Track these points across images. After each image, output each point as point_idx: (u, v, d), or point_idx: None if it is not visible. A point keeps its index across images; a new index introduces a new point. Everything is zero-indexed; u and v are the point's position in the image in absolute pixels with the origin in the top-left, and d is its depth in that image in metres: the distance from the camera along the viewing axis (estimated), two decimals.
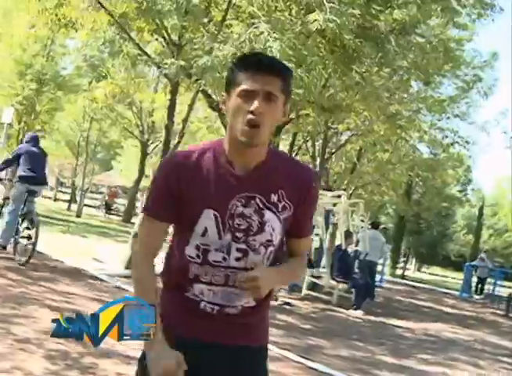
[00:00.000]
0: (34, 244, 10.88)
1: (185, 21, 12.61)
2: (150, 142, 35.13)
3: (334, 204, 17.21)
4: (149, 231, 2.43)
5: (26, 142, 12.13)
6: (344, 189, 22.31)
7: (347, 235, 16.05)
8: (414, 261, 53.51)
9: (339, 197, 17.05)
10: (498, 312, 21.75)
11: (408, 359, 9.83)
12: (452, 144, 27.34)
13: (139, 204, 40.31)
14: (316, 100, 14.59)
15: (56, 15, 13.43)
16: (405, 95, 20.75)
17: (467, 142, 26.35)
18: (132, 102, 30.79)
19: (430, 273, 51.49)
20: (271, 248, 2.37)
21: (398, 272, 38.13)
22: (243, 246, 2.32)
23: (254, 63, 2.26)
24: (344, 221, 16.70)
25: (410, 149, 26.17)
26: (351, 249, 16.07)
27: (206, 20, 13.51)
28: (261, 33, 11.47)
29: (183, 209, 2.33)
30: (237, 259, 2.33)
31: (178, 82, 13.73)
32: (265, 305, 2.51)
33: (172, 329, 2.32)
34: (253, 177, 2.34)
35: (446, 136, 26.55)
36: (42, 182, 11.68)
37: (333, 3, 11.55)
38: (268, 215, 2.33)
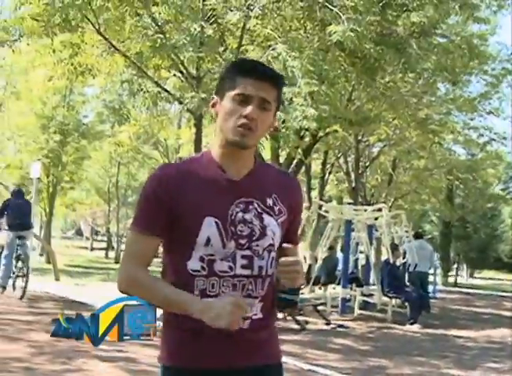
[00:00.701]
0: (27, 281, 12.84)
1: (201, 52, 12.66)
2: None
3: (376, 218, 17.08)
4: (141, 247, 2.32)
5: (11, 195, 14.44)
6: (384, 202, 22.22)
7: (394, 248, 15.90)
8: (465, 267, 52.80)
9: (380, 210, 16.93)
10: None
11: (475, 370, 9.67)
12: (488, 142, 27.19)
13: None
14: (343, 115, 14.55)
15: (72, 64, 13.69)
16: (433, 98, 20.67)
17: (504, 138, 26.15)
18: (157, 141, 31.03)
19: (483, 278, 50.73)
20: (273, 253, 2.35)
21: (451, 280, 37.73)
22: (247, 252, 2.28)
23: (252, 69, 2.29)
24: (387, 234, 16.57)
25: (446, 152, 26.04)
26: (399, 262, 15.90)
27: (221, 49, 13.63)
28: (279, 54, 11.51)
29: (179, 221, 2.26)
30: (243, 267, 2.29)
31: (201, 115, 13.81)
32: (273, 315, 2.46)
33: (191, 367, 2.29)
34: (246, 182, 2.34)
35: (481, 135, 26.44)
36: (28, 227, 13.72)
37: (349, 13, 11.57)
38: (267, 219, 2.32)
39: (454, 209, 31.68)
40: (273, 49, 11.85)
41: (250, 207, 2.31)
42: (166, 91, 14.36)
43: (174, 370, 2.33)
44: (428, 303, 16.07)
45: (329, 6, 11.94)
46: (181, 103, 13.89)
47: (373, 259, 17.25)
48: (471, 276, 52.51)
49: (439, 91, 21.32)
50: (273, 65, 11.53)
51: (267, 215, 2.33)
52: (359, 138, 20.92)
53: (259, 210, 2.32)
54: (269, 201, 2.35)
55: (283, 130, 12.55)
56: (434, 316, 16.28)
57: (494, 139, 26.69)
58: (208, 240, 2.25)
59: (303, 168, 20.16)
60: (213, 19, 12.83)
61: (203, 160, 2.37)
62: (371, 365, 9.51)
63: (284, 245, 2.34)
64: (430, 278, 20.86)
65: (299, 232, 2.61)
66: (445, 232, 37.24)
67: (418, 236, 16.89)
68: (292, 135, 14.01)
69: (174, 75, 14.71)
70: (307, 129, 13.67)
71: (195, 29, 12.07)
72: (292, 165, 17.26)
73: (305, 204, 26.76)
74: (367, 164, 24.34)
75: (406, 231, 18.15)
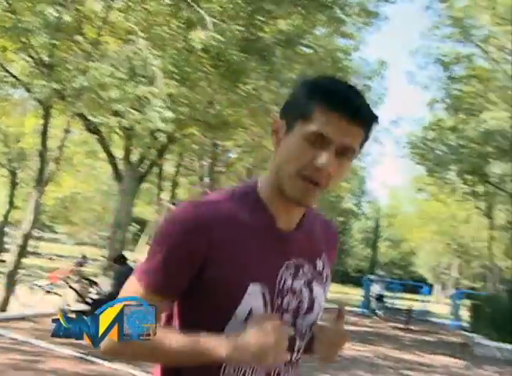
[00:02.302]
0: None
1: (56, 39, 12.37)
2: (20, 170, 34.22)
3: None
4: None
5: None
6: None
7: None
8: None
9: None
10: (398, 325, 22.80)
11: None
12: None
13: (11, 240, 39.29)
14: (202, 118, 14.77)
15: None
16: None
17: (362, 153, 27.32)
18: None
19: (332, 291, 52.41)
20: (311, 331, 1.90)
21: None
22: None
23: (343, 102, 1.68)
24: None
25: None
26: None
27: (79, 38, 13.46)
28: (140, 50, 11.55)
29: (213, 285, 1.75)
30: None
31: (50, 106, 13.52)
32: None
33: None
34: (297, 237, 1.86)
35: None
36: None
37: (215, 17, 11.78)
38: (316, 288, 1.88)
39: None
40: (134, 44, 11.86)
41: (300, 272, 1.85)
42: (12, 75, 14.00)
43: None
44: None
45: (196, 7, 12.11)
46: (29, 90, 13.58)
47: None
48: None
49: None
50: (133, 61, 11.59)
51: (316, 283, 1.90)
52: (217, 142, 21.20)
53: (309, 277, 1.88)
54: (319, 264, 1.93)
55: (138, 130, 12.60)
56: None
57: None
58: (249, 315, 1.74)
59: (155, 169, 20.24)
60: (72, 5, 12.63)
61: (250, 201, 1.84)
62: None
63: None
64: None
65: None
66: None
67: None
68: (146, 136, 14.10)
69: (24, 60, 14.36)
70: (162, 131, 13.63)
71: (50, 13, 11.83)
72: (143, 165, 17.33)
73: (155, 207, 26.94)
74: (222, 170, 24.73)
75: None
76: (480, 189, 23.49)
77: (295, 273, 1.83)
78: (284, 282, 1.80)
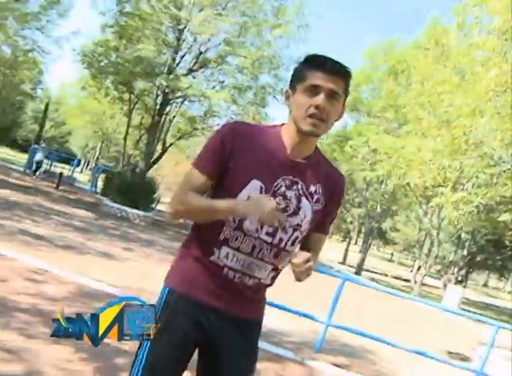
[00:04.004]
0: None
1: None
2: None
3: None
4: (195, 181, 2.06)
5: None
6: None
7: None
8: None
9: None
10: (51, 185, 22.64)
11: None
12: (30, 50, 26.75)
13: None
14: None
15: None
16: None
17: (44, 51, 26.08)
18: None
19: (0, 152, 49.59)
20: (297, 233, 2.08)
21: None
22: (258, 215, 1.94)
23: (323, 62, 1.97)
24: None
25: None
26: None
27: None
28: None
29: (231, 173, 2.03)
30: (267, 234, 2.03)
31: None
32: (273, 284, 2.21)
33: (192, 297, 2.09)
34: (301, 165, 2.07)
35: (27, 43, 25.94)
36: None
37: None
38: (304, 202, 2.06)
39: None
40: None
41: (295, 186, 2.05)
42: None
43: (176, 295, 2.11)
44: None
45: None
46: None
47: None
48: None
49: None
50: None
51: (305, 198, 2.07)
52: None
53: (301, 192, 2.06)
54: (312, 188, 2.09)
55: None
56: None
57: (35, 49, 26.54)
58: (248, 199, 1.97)
59: None
60: None
61: (274, 134, 2.09)
62: None
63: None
64: None
65: (331, 224, 2.26)
66: None
67: None
68: None
69: None
70: None
71: None
72: None
73: None
74: None
75: None
76: (126, 96, 23.87)
77: (290, 185, 2.04)
78: (279, 187, 2.02)
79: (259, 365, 5.37)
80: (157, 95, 22.21)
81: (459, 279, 29.39)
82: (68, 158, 40.27)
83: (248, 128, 2.10)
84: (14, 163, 32.55)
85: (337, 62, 1.99)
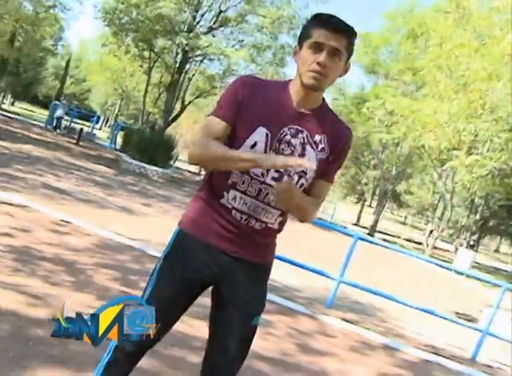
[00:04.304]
0: None
1: None
2: None
3: None
4: (215, 127, 2.13)
5: None
6: None
7: None
8: (10, 97, 51.16)
9: None
10: (72, 141, 22.72)
11: (6, 168, 10.21)
12: (52, 6, 26.60)
13: None
14: None
15: None
16: None
17: (65, 7, 25.93)
18: None
19: (22, 108, 49.86)
20: (302, 180, 2.16)
21: None
22: (281, 169, 2.07)
23: (326, 21, 2.04)
24: None
25: (18, 5, 24.78)
26: None
27: None
28: None
29: (241, 119, 2.12)
30: (273, 178, 2.11)
31: None
32: (281, 229, 2.29)
33: (201, 238, 2.17)
34: (306, 116, 2.14)
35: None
36: None
37: None
38: (309, 149, 2.13)
39: (13, 50, 30.41)
40: None
41: (300, 135, 2.12)
42: None
43: (186, 235, 2.22)
44: None
45: None
46: None
47: None
48: (12, 104, 51.19)
49: None
50: None
51: (310, 146, 2.14)
52: None
53: (305, 140, 2.13)
54: (317, 138, 2.15)
55: None
56: None
57: (56, 5, 26.37)
58: (254, 144, 2.09)
59: None
60: None
61: (282, 88, 2.18)
62: None
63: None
64: None
65: (335, 173, 2.31)
66: (1, 66, 35.32)
67: None
68: None
69: None
70: None
71: None
72: None
73: None
74: None
75: None
76: (146, 54, 23.79)
77: (295, 134, 2.11)
78: (285, 135, 2.10)
79: (271, 317, 5.50)
80: (177, 54, 22.13)
81: (471, 243, 29.37)
82: (88, 115, 40.45)
83: (258, 81, 2.19)
84: (35, 119, 32.77)
85: (340, 20, 2.05)
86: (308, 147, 2.13)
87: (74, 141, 22.58)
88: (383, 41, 29.73)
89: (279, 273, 7.75)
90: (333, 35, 2.01)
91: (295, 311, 6.14)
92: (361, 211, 38.43)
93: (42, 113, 42.70)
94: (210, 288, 2.24)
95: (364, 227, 32.52)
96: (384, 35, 29.85)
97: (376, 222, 30.62)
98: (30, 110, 47.84)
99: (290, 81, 2.20)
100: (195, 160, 2.13)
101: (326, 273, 7.13)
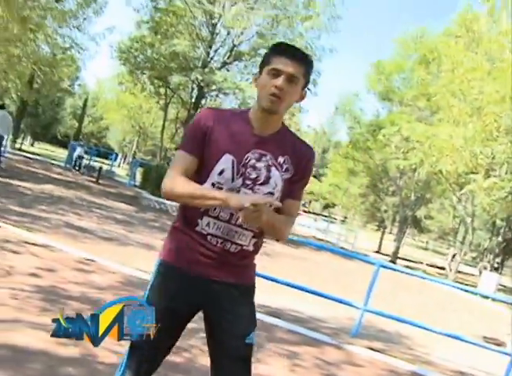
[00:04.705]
0: None
1: None
2: None
3: None
4: (184, 162, 2.24)
5: None
6: None
7: None
8: (30, 138, 52.11)
9: None
10: (91, 179, 23.02)
11: (30, 209, 10.41)
12: (69, 48, 27.22)
13: None
14: None
15: None
16: (36, 3, 19.98)
17: (81, 48, 26.50)
18: None
19: (42, 148, 50.68)
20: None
21: (17, 146, 37.02)
22: (249, 191, 2.21)
23: (285, 49, 2.21)
24: None
25: (35, 47, 25.36)
26: None
27: None
28: None
29: (207, 149, 2.22)
30: None
31: None
32: (258, 250, 2.38)
33: (182, 268, 2.26)
34: (268, 140, 2.26)
35: (65, 41, 26.41)
36: None
37: None
38: (274, 171, 2.24)
39: (31, 92, 31.07)
40: None
41: (264, 158, 2.23)
42: None
43: (166, 265, 2.30)
44: (0, 159, 15.97)
45: None
46: None
47: None
48: (32, 145, 52.06)
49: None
50: None
51: (275, 168, 2.25)
52: None
53: (270, 163, 2.24)
54: (281, 159, 2.26)
55: None
56: (3, 169, 16.34)
57: (73, 47, 26.99)
58: (222, 172, 2.20)
59: None
60: None
61: (243, 115, 2.30)
62: None
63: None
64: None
65: (302, 191, 2.42)
66: (21, 108, 36.10)
67: (1, 107, 16.33)
68: None
69: None
70: None
71: None
72: None
73: None
74: None
75: None
76: (162, 91, 24.17)
77: (259, 158, 2.23)
78: (249, 160, 2.22)
79: (297, 348, 5.50)
80: (193, 89, 22.48)
81: (495, 266, 28.96)
82: (106, 153, 40.97)
83: (219, 112, 2.32)
84: (55, 158, 33.27)
85: (298, 49, 2.23)
86: (273, 169, 2.24)
87: (94, 179, 22.85)
88: (395, 68, 29.92)
89: (302, 304, 7.76)
90: (290, 62, 2.15)
91: (321, 341, 6.12)
92: (382, 239, 38.16)
93: (61, 153, 43.33)
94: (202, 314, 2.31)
95: (386, 254, 32.25)
96: (396, 62, 30.05)
97: (397, 248, 30.37)
98: (50, 150, 48.59)
99: (249, 109, 2.33)
100: (167, 196, 2.23)
101: (351, 303, 7.11)
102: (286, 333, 6.07)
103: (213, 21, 21.17)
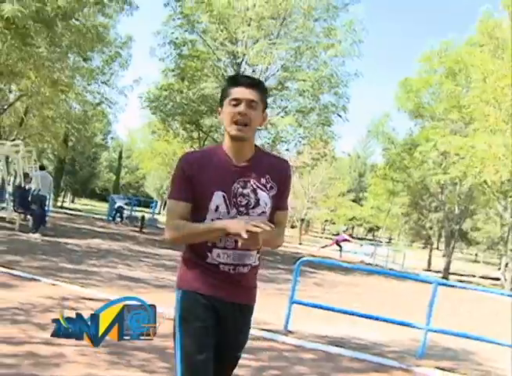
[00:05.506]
0: None
1: None
2: None
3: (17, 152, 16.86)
4: (178, 210, 2.42)
5: None
6: (13, 140, 21.75)
7: (26, 176, 15.99)
8: (70, 195, 53.29)
9: (17, 145, 16.82)
10: (135, 229, 23.32)
11: (81, 265, 10.58)
12: (99, 103, 27.94)
13: None
14: None
15: None
16: (64, 64, 20.62)
17: (111, 102, 27.16)
18: None
19: (82, 204, 51.70)
20: (264, 217, 2.45)
21: (59, 204, 37.88)
22: (245, 217, 2.41)
23: (239, 80, 2.43)
24: (22, 165, 16.59)
25: (67, 107, 26.16)
26: (27, 186, 15.95)
27: None
28: None
29: (197, 191, 2.40)
30: None
31: None
32: (260, 263, 2.62)
33: (203, 292, 2.45)
34: (247, 166, 2.45)
35: (95, 97, 27.17)
36: None
37: None
38: (260, 193, 2.45)
39: (67, 150, 31.93)
40: None
41: (248, 184, 2.44)
42: None
43: (189, 293, 2.47)
44: (45, 218, 16.31)
45: None
46: None
47: (9, 184, 16.88)
48: (73, 201, 53.14)
49: (69, 60, 21.43)
50: None
51: (260, 190, 2.46)
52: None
53: (254, 186, 2.45)
54: (263, 180, 2.47)
55: None
56: (49, 228, 16.67)
57: (103, 102, 27.72)
58: (217, 208, 2.40)
59: None
60: None
61: (218, 151, 2.48)
62: (8, 259, 9.74)
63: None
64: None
65: (287, 200, 2.66)
66: (58, 167, 37.09)
67: (41, 168, 16.79)
68: None
69: None
70: None
71: None
72: None
73: None
74: (5, 107, 23.43)
75: (35, 163, 18.21)
76: (195, 135, 24.45)
77: (244, 185, 2.43)
78: (237, 189, 2.42)
79: None
80: None
81: None
82: (146, 201, 41.48)
83: (197, 154, 2.56)
84: (96, 212, 33.83)
85: (252, 78, 2.49)
86: (259, 191, 2.45)
87: (138, 229, 23.10)
88: (423, 84, 29.77)
89: (362, 330, 7.66)
90: (247, 90, 2.37)
91: (388, 366, 6.04)
92: (430, 256, 37.47)
93: (102, 207, 44.03)
94: None
95: (436, 271, 31.61)
96: (423, 78, 29.92)
97: (448, 264, 29.75)
98: (90, 205, 49.47)
99: (221, 144, 2.52)
100: (173, 242, 2.49)
101: (413, 324, 7.01)
102: (352, 361, 6.01)
103: (237, 60, 21.52)
